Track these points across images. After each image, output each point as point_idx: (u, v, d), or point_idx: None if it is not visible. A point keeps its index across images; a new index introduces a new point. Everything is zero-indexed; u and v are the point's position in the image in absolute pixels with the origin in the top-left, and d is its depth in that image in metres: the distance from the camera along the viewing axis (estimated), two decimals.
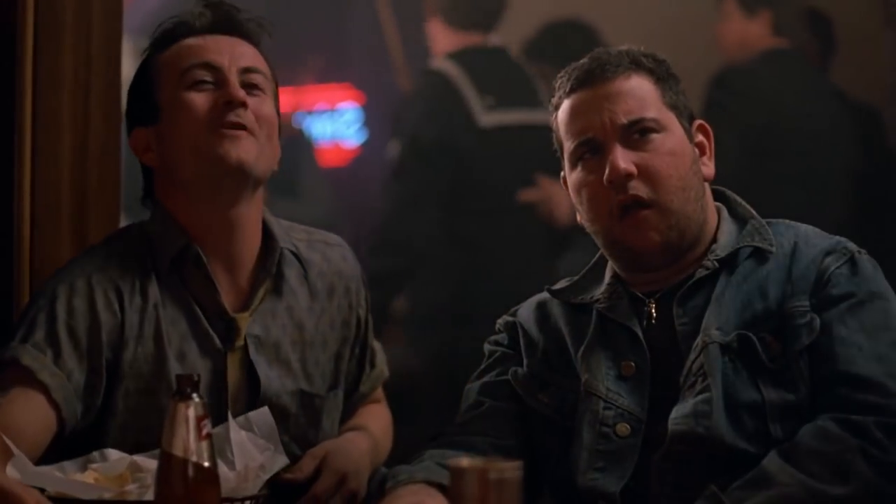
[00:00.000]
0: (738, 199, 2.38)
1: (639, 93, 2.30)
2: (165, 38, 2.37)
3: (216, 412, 2.05)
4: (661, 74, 2.32)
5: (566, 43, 4.97)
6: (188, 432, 1.89)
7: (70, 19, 2.60)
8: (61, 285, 2.30)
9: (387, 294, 4.42)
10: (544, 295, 2.41)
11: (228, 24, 2.38)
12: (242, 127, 2.30)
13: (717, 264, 2.27)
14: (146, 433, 2.24)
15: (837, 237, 2.29)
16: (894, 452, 2.10)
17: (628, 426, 2.25)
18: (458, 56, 4.53)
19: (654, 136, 2.28)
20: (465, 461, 1.70)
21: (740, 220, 2.34)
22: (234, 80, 2.32)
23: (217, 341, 2.35)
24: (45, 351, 2.25)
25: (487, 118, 4.47)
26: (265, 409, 2.32)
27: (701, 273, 2.27)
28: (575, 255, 4.70)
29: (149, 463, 2.10)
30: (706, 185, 2.34)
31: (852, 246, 2.27)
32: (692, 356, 2.22)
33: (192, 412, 1.90)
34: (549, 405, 2.34)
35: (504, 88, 4.54)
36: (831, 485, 2.07)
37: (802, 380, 2.17)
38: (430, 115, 4.47)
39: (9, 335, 2.44)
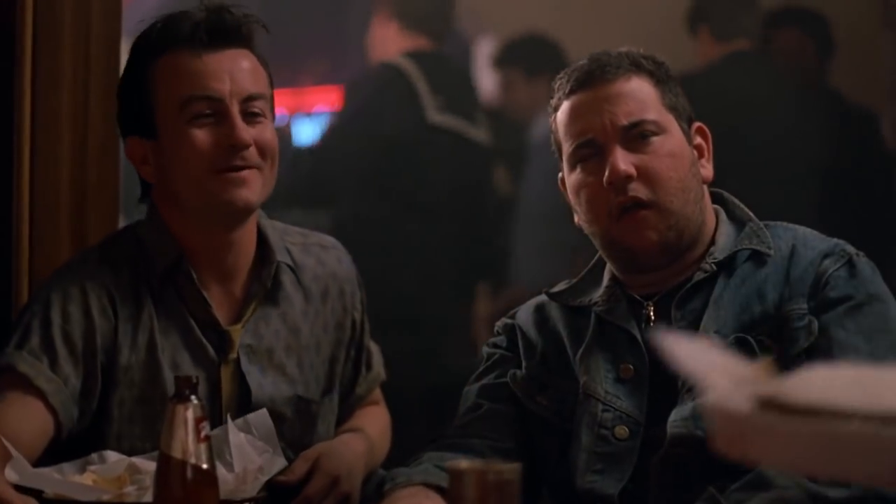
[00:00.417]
0: (736, 201, 2.38)
1: (639, 95, 2.29)
2: (159, 44, 2.32)
3: (211, 423, 2.05)
4: (661, 76, 2.32)
5: (534, 54, 5.07)
6: (187, 434, 1.89)
7: (69, 19, 2.59)
8: (55, 291, 2.29)
9: None
10: (543, 297, 2.41)
11: (225, 36, 2.32)
12: (248, 167, 2.28)
13: (714, 267, 2.27)
14: (141, 441, 2.25)
15: (836, 240, 2.29)
16: None
17: (627, 428, 2.25)
18: (414, 56, 4.56)
19: (654, 138, 2.28)
20: (463, 463, 1.70)
21: (738, 222, 2.34)
22: (236, 114, 2.28)
23: (211, 352, 2.34)
24: (41, 357, 2.24)
25: (438, 117, 4.51)
26: (263, 411, 2.31)
27: (699, 276, 2.27)
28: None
29: (147, 465, 2.09)
30: (704, 187, 2.34)
31: (851, 248, 2.27)
32: None
33: (190, 414, 1.90)
34: (547, 407, 2.34)
35: (453, 94, 4.57)
36: (830, 487, 2.07)
37: None
38: (382, 103, 4.49)
39: (7, 334, 2.44)
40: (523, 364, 2.37)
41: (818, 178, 4.59)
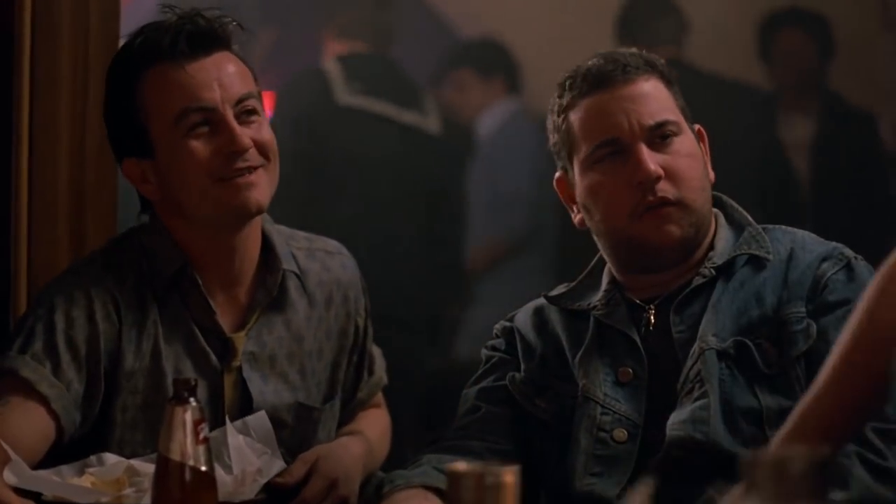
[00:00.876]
0: (735, 205, 2.38)
1: (659, 95, 2.30)
2: (140, 61, 2.31)
3: (213, 430, 2.05)
4: (671, 77, 2.33)
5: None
6: (185, 436, 1.89)
7: (67, 20, 2.59)
8: (59, 295, 2.28)
9: None
10: (541, 300, 2.41)
11: (204, 42, 2.30)
12: (253, 169, 2.28)
13: (713, 272, 2.27)
14: (143, 448, 2.24)
15: (834, 243, 2.29)
16: (892, 458, 2.10)
17: (626, 431, 2.24)
18: (342, 58, 4.73)
19: (675, 138, 2.29)
20: (462, 466, 1.69)
21: (737, 226, 2.34)
22: (231, 120, 2.27)
23: (214, 359, 2.33)
24: (44, 362, 2.23)
25: (349, 98, 4.64)
26: (262, 413, 2.31)
27: (698, 281, 2.27)
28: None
29: (146, 467, 2.09)
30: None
31: (849, 252, 2.27)
32: (689, 363, 2.22)
33: (189, 416, 1.90)
34: (546, 410, 2.33)
35: (375, 81, 4.71)
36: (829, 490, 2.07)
37: (799, 385, 2.17)
38: (293, 95, 4.71)
39: (5, 334, 2.44)
40: (522, 367, 2.37)
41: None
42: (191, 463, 1.88)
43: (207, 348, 2.33)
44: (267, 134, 2.32)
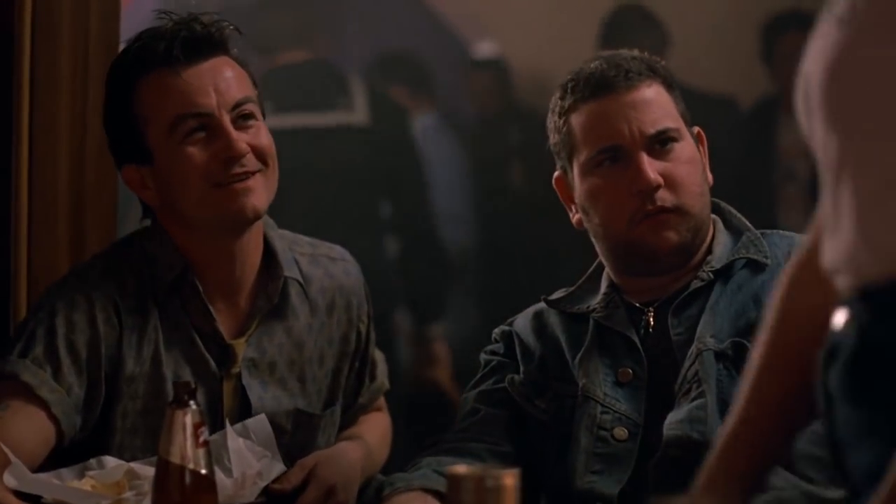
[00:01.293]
0: (733, 210, 2.39)
1: (660, 101, 2.30)
2: (137, 67, 2.30)
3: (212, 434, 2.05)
4: (671, 82, 2.33)
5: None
6: (185, 439, 1.89)
7: (67, 21, 2.58)
8: (61, 300, 2.27)
9: None
10: (541, 305, 2.41)
11: (200, 48, 2.29)
12: (250, 174, 2.28)
13: (711, 276, 2.28)
14: (143, 453, 2.24)
15: None
16: (827, 487, 2.10)
17: (626, 430, 2.25)
18: (262, 77, 4.68)
19: (675, 144, 2.29)
20: (462, 468, 1.70)
21: (735, 231, 2.35)
22: (228, 125, 2.27)
23: (213, 366, 2.33)
24: (45, 366, 2.23)
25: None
26: (262, 416, 2.31)
27: (696, 284, 2.28)
28: None
29: (146, 470, 2.09)
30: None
31: None
32: (687, 364, 2.22)
33: (189, 419, 1.90)
34: (546, 410, 2.34)
35: (297, 94, 4.67)
36: (827, 489, 2.07)
37: None
38: None
39: (5, 336, 2.44)
40: (521, 369, 2.37)
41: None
42: (191, 466, 1.88)
43: (207, 355, 2.33)
44: (265, 139, 2.31)
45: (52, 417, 2.21)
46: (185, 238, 2.33)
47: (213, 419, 2.28)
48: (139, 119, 2.29)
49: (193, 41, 2.29)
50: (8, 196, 2.55)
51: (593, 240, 2.36)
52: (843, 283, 1.54)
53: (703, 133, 2.38)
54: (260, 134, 2.31)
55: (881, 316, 1.49)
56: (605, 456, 2.25)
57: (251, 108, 2.31)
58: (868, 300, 1.50)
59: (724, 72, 5.13)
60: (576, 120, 2.31)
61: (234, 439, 2.22)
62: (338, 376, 2.47)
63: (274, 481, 2.26)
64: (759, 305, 2.24)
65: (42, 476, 2.13)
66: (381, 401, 2.61)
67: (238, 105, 2.29)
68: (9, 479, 2.05)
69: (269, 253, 2.39)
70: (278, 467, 2.26)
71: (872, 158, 1.48)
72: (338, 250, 2.51)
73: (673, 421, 2.19)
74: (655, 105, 2.29)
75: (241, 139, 2.27)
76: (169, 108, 2.27)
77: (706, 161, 2.36)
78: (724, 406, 2.17)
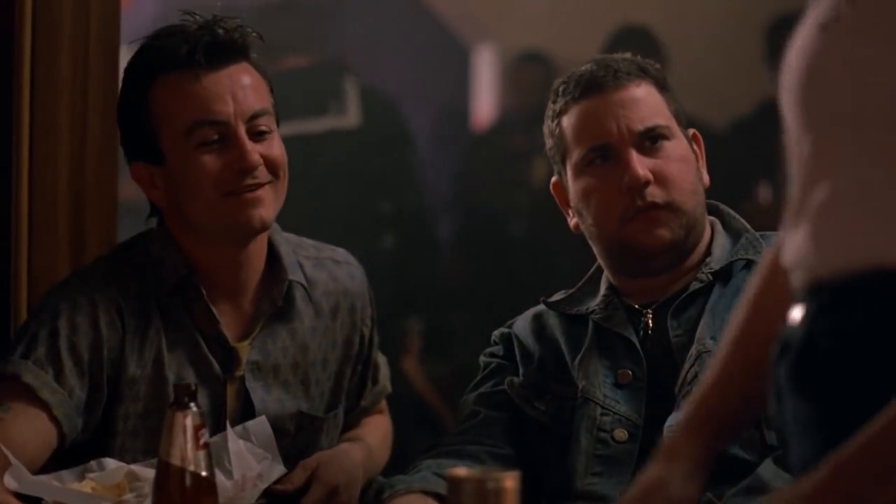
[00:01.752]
0: (732, 212, 2.39)
1: (650, 100, 2.31)
2: (156, 66, 2.29)
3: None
4: (664, 83, 2.33)
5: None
6: (186, 441, 1.88)
7: (68, 23, 2.58)
8: (64, 301, 2.27)
9: None
10: (541, 307, 2.42)
11: (222, 54, 2.28)
12: (260, 185, 2.27)
13: (710, 277, 2.28)
14: (144, 456, 2.23)
15: None
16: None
17: (626, 432, 2.25)
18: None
19: (666, 142, 2.30)
20: (462, 471, 1.70)
21: (734, 233, 2.35)
22: (243, 136, 2.26)
23: (216, 368, 2.33)
24: (47, 368, 2.22)
25: None
26: (263, 418, 2.31)
27: (695, 286, 2.28)
28: None
29: (146, 472, 2.09)
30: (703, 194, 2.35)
31: None
32: (687, 365, 2.22)
33: (189, 421, 1.89)
34: (545, 412, 2.34)
35: (294, 100, 4.64)
36: None
37: None
38: None
39: (6, 337, 2.44)
40: (520, 371, 2.37)
41: None
42: (191, 468, 1.88)
43: (210, 357, 2.32)
44: (277, 150, 2.30)
45: (54, 419, 2.21)
46: (190, 241, 2.32)
47: (217, 422, 2.28)
48: (153, 117, 2.28)
49: (216, 47, 2.28)
50: (8, 197, 2.55)
51: (590, 242, 2.37)
52: (796, 279, 1.55)
53: (699, 135, 2.38)
54: (273, 145, 2.30)
55: (826, 312, 1.51)
56: (605, 458, 2.25)
57: (266, 121, 2.30)
58: (816, 296, 1.52)
59: (727, 74, 5.13)
60: (567, 121, 2.32)
61: (234, 441, 2.22)
62: (341, 379, 2.47)
63: (276, 482, 2.26)
64: None
65: (42, 478, 2.12)
66: (383, 403, 2.61)
67: (254, 117, 2.28)
68: (9, 481, 2.05)
69: (273, 256, 2.38)
70: (279, 469, 2.26)
71: (843, 163, 1.49)
72: (342, 253, 2.51)
73: (673, 423, 2.19)
74: (644, 103, 2.30)
75: (254, 150, 2.26)
76: (186, 112, 2.26)
77: (702, 163, 2.36)
78: None
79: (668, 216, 2.27)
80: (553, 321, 2.39)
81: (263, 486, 2.20)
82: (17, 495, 2.05)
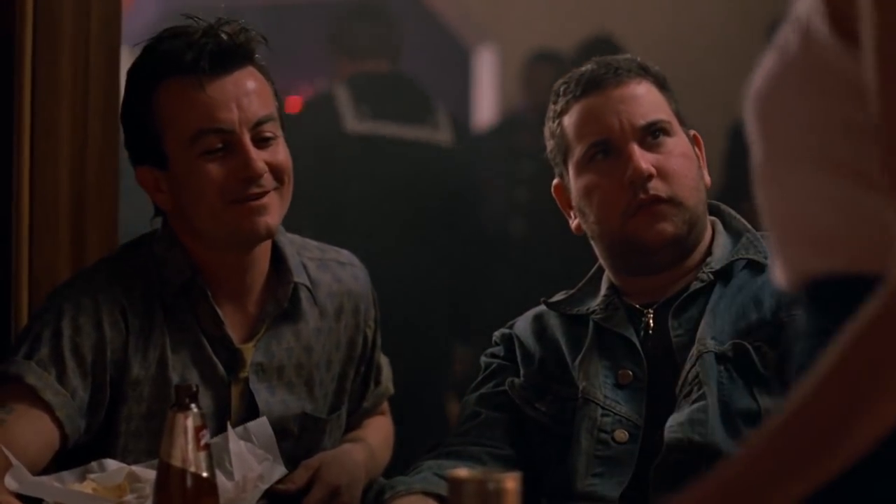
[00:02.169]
0: (733, 212, 2.39)
1: (651, 97, 2.31)
2: (160, 70, 2.28)
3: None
4: (664, 83, 2.34)
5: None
6: (187, 442, 1.89)
7: (69, 25, 2.59)
8: (67, 302, 2.27)
9: None
10: (541, 308, 2.42)
11: (226, 59, 2.27)
12: (266, 193, 2.26)
13: (711, 277, 2.28)
14: (147, 457, 2.23)
15: None
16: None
17: (626, 432, 2.25)
18: (350, 80, 4.69)
19: (667, 138, 2.30)
20: (463, 472, 1.70)
21: (735, 233, 2.35)
22: (248, 143, 2.25)
23: (221, 370, 2.33)
24: (50, 369, 2.22)
25: (358, 125, 4.60)
26: (264, 419, 2.31)
27: (696, 285, 2.28)
28: None
29: (147, 473, 2.09)
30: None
31: None
32: (688, 365, 2.22)
33: (190, 422, 1.90)
34: (546, 413, 2.34)
35: (385, 103, 4.67)
36: None
37: None
38: (304, 123, 4.64)
39: (6, 338, 2.44)
40: (521, 372, 2.38)
41: None
42: (192, 469, 1.88)
43: (215, 358, 2.32)
44: (282, 156, 2.29)
45: (56, 420, 2.21)
46: (195, 245, 2.32)
47: (221, 423, 2.27)
48: (157, 121, 2.27)
49: (220, 53, 2.26)
50: (9, 198, 2.55)
51: (591, 242, 2.37)
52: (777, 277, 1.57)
53: (699, 137, 2.39)
54: (278, 151, 2.29)
55: (810, 309, 1.52)
56: (605, 458, 2.25)
57: (271, 128, 2.29)
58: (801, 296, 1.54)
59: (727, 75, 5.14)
60: (568, 120, 2.33)
61: (235, 442, 2.22)
62: (344, 380, 2.47)
63: (278, 483, 2.26)
64: (760, 306, 2.24)
65: (43, 479, 2.12)
66: (385, 405, 2.61)
67: (259, 123, 2.27)
68: (10, 482, 2.05)
69: (278, 258, 2.38)
70: (280, 470, 2.26)
71: (783, 182, 1.51)
72: (346, 255, 2.51)
73: (674, 423, 2.19)
74: (645, 99, 2.30)
75: (259, 157, 2.25)
76: (190, 120, 2.25)
77: (703, 163, 2.37)
78: (725, 408, 2.18)
79: (670, 210, 2.27)
80: (553, 322, 2.39)
81: (264, 486, 2.20)
82: (18, 496, 2.06)
